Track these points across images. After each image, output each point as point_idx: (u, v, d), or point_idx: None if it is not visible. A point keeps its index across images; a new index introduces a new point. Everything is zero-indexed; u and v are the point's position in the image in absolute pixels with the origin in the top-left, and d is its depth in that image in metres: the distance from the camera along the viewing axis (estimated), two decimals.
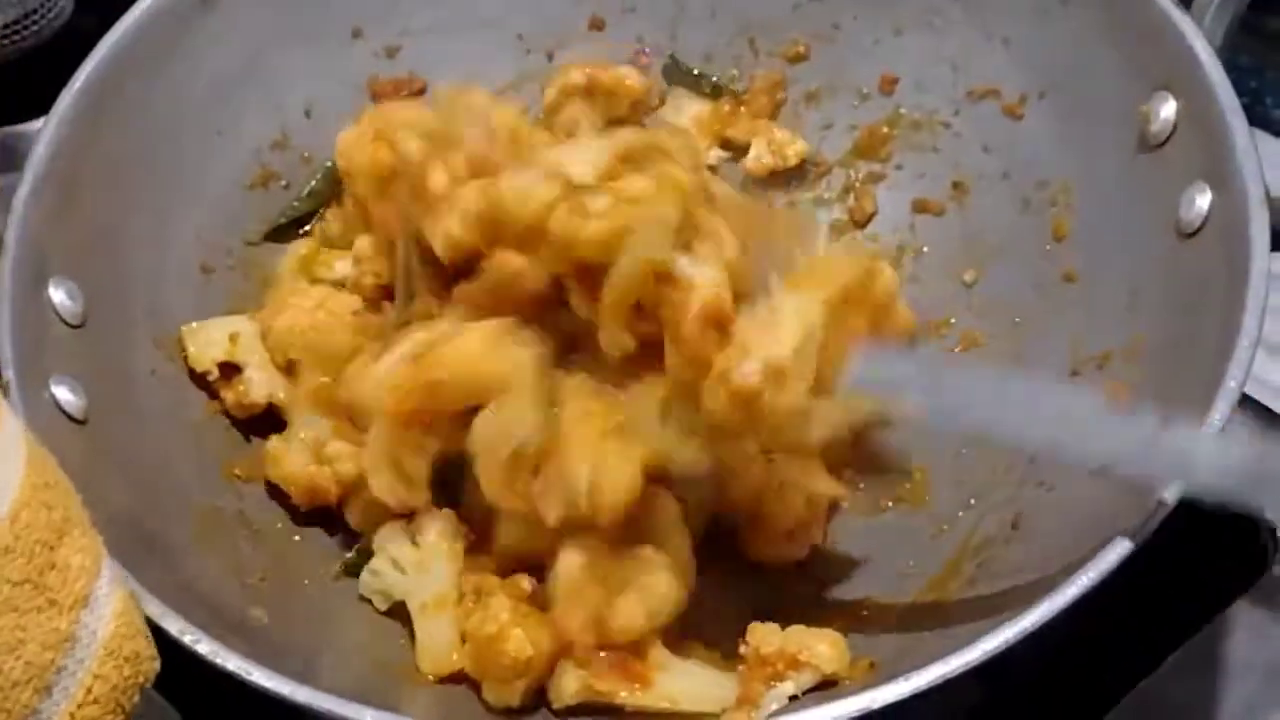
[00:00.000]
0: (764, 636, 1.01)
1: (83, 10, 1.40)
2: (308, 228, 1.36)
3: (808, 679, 0.99)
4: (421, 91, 1.40)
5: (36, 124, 1.16)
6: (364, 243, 1.25)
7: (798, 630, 1.01)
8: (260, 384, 1.21)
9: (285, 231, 1.35)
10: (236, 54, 1.30)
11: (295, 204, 1.35)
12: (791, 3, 1.38)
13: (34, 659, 0.78)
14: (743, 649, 1.02)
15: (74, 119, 1.16)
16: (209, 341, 1.21)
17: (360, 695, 0.91)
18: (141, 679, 0.86)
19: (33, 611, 0.78)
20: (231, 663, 0.90)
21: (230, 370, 1.22)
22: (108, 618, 0.83)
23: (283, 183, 1.35)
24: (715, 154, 1.39)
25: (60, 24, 1.38)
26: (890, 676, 0.86)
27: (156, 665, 0.87)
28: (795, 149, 1.37)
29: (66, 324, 1.10)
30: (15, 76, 1.38)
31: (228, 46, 1.29)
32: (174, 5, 1.24)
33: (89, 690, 0.81)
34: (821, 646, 0.99)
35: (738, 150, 1.39)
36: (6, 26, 1.35)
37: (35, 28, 1.36)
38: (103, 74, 1.18)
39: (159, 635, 0.90)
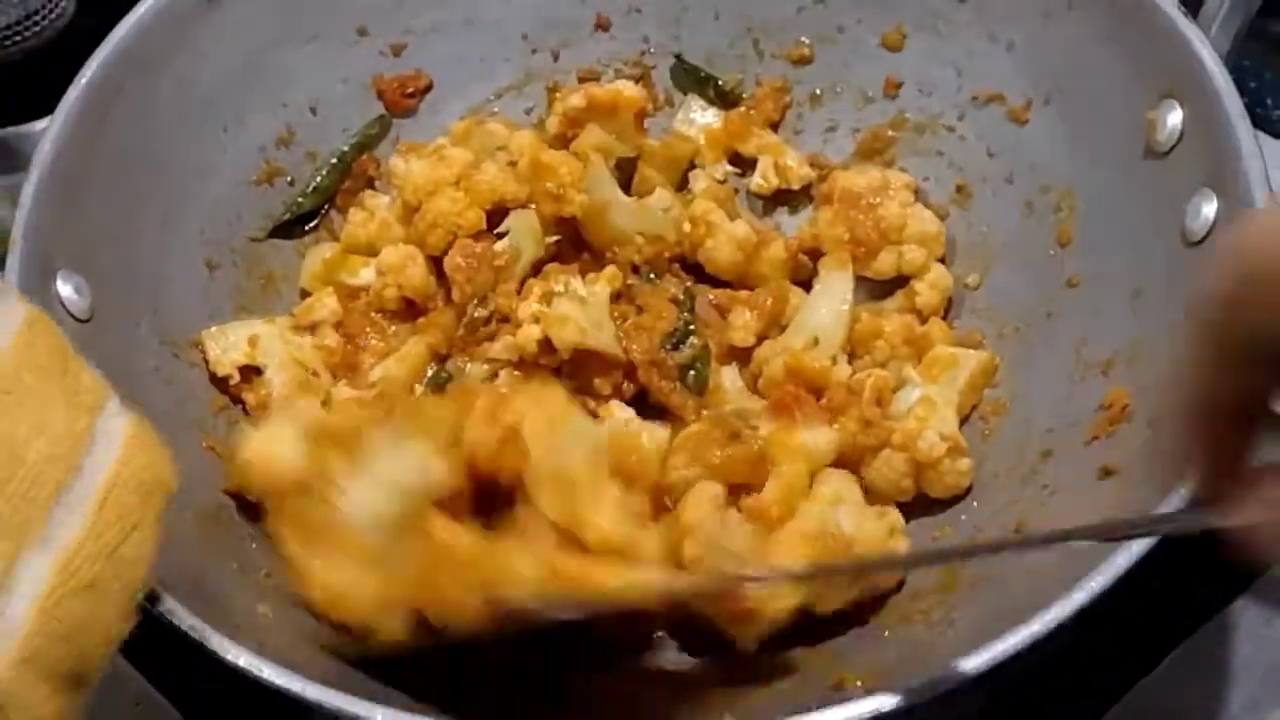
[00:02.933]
0: None
1: (85, 10, 1.40)
2: (313, 224, 1.36)
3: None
4: (428, 89, 1.41)
5: (40, 124, 1.16)
6: (390, 254, 1.27)
7: None
8: (281, 386, 1.22)
9: (290, 228, 1.35)
10: (240, 51, 1.30)
11: (300, 200, 1.36)
12: (796, 5, 1.39)
13: (60, 443, 0.81)
14: None
15: (79, 116, 1.16)
16: (229, 345, 1.23)
17: (366, 691, 0.91)
18: (164, 478, 0.87)
19: (55, 404, 0.82)
20: (242, 659, 0.90)
21: (250, 372, 1.23)
22: (127, 425, 0.86)
23: (288, 179, 1.36)
24: (724, 169, 1.40)
25: (63, 24, 1.38)
26: (898, 681, 0.87)
27: (175, 480, 0.88)
28: (800, 174, 1.38)
29: (74, 318, 1.09)
30: (18, 77, 1.37)
31: (232, 44, 1.29)
32: (177, 3, 1.24)
33: (116, 475, 0.83)
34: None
35: (746, 164, 1.41)
36: (9, 27, 1.34)
37: (38, 28, 1.36)
38: (107, 71, 1.18)
39: (163, 633, 0.90)
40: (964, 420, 1.21)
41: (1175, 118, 1.10)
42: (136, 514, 0.84)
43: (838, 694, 0.99)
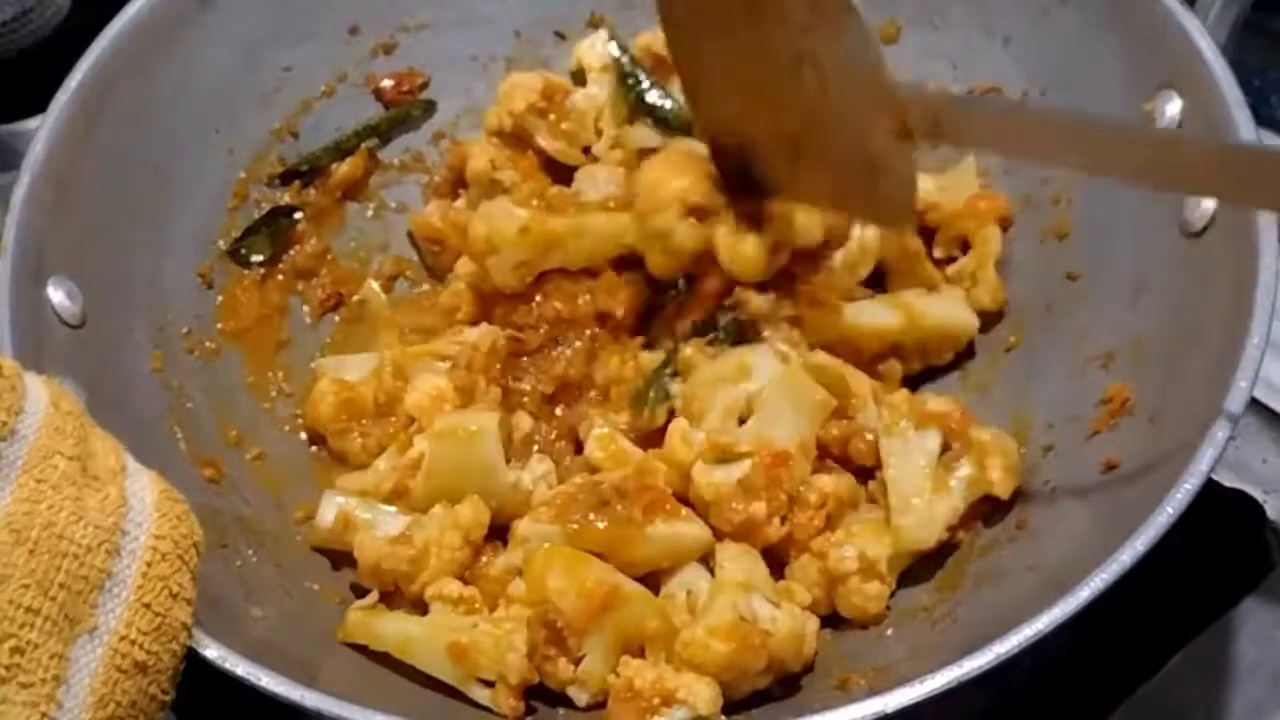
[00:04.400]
0: (638, 670, 1.00)
1: (81, 8, 1.39)
2: (298, 215, 1.36)
3: (681, 715, 0.98)
4: (424, 86, 1.40)
5: (34, 122, 1.15)
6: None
7: (671, 671, 1.01)
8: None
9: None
10: (233, 51, 1.29)
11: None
12: None
13: (99, 523, 0.82)
14: (611, 679, 1.01)
15: (71, 117, 1.15)
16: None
17: (360, 694, 0.91)
18: (196, 538, 0.89)
19: (86, 486, 0.83)
20: (240, 667, 0.90)
21: None
22: (149, 484, 0.88)
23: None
24: None
25: (57, 22, 1.38)
26: (902, 680, 0.86)
27: (200, 532, 0.90)
28: None
29: (66, 324, 1.09)
30: (12, 74, 1.37)
31: (224, 44, 1.28)
32: (170, 3, 1.23)
33: (154, 549, 0.85)
34: (699, 686, 0.98)
35: None
36: (4, 25, 1.34)
37: (33, 26, 1.36)
38: (99, 72, 1.17)
39: None
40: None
41: (1174, 108, 1.10)
42: (176, 581, 0.86)
43: (842, 694, 0.99)
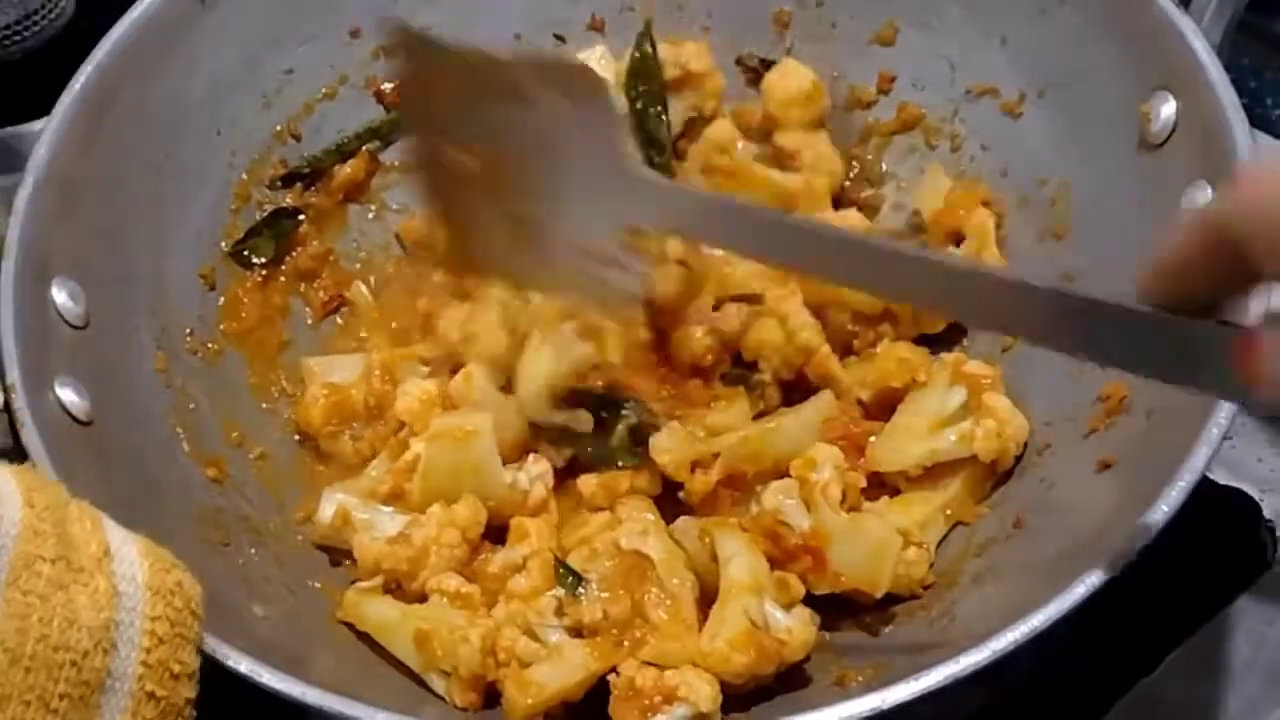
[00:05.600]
0: (639, 668, 1.01)
1: (84, 10, 1.40)
2: (300, 218, 1.36)
3: (682, 713, 0.98)
4: None
5: (38, 125, 1.16)
6: None
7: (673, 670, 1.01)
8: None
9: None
10: (235, 54, 1.30)
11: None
12: (790, 3, 1.39)
13: (92, 623, 0.80)
14: (612, 678, 1.01)
15: (74, 120, 1.16)
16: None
17: (363, 692, 0.92)
18: (194, 605, 0.87)
19: (74, 583, 0.81)
20: (243, 665, 0.90)
21: None
22: (137, 561, 0.85)
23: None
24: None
25: (61, 25, 1.38)
26: (899, 676, 0.86)
27: (200, 590, 0.88)
28: None
29: (70, 325, 1.09)
30: (16, 77, 1.37)
31: (226, 47, 1.29)
32: (173, 6, 1.24)
33: (151, 633, 0.83)
34: (700, 684, 0.99)
35: None
36: (8, 27, 1.34)
37: (36, 29, 1.36)
38: (103, 75, 1.18)
39: None
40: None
41: (1169, 110, 1.10)
42: (177, 660, 0.85)
43: (840, 691, 1.00)
